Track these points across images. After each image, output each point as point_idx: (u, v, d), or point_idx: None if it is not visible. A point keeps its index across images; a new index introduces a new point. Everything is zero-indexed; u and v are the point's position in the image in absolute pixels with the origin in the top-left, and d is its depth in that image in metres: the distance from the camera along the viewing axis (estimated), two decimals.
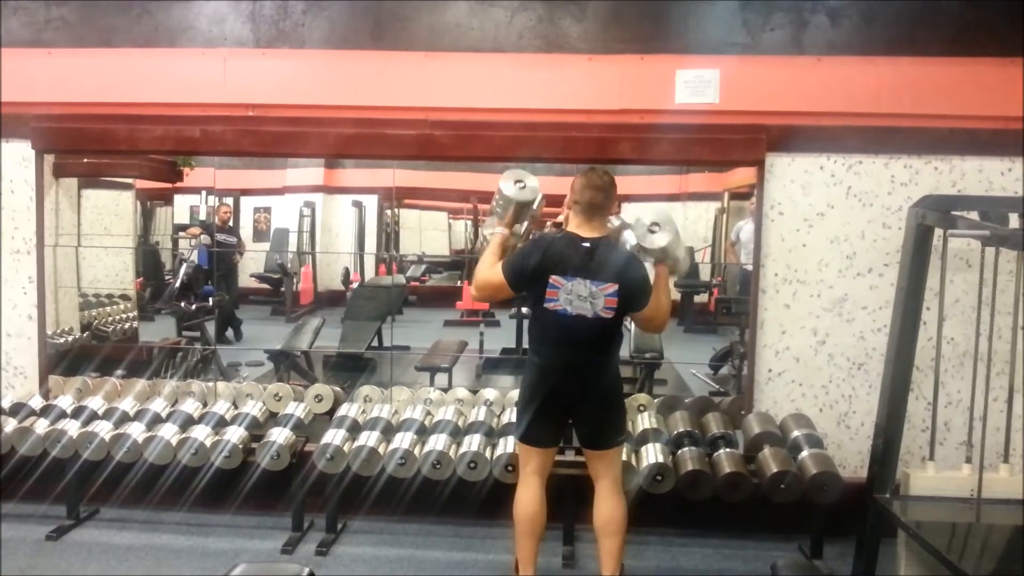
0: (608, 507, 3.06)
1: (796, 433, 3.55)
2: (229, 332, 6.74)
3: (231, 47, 3.88)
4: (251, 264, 8.24)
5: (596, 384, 3.01)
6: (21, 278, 4.05)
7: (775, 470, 3.33)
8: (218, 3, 3.89)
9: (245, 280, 8.01)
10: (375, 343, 6.22)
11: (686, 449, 3.50)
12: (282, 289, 8.20)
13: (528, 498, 3.07)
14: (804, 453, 3.44)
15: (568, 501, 3.49)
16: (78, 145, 4.03)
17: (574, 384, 2.99)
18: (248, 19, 3.88)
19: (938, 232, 3.26)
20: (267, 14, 3.87)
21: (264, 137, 3.87)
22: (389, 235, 9.18)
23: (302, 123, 3.86)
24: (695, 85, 3.74)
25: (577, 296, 2.91)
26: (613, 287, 2.91)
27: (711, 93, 3.72)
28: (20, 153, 3.99)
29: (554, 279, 2.93)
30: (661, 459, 3.41)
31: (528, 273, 2.97)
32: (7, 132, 3.96)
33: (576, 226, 3.03)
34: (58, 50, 3.91)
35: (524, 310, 6.28)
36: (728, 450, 3.51)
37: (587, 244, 2.96)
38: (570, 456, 3.55)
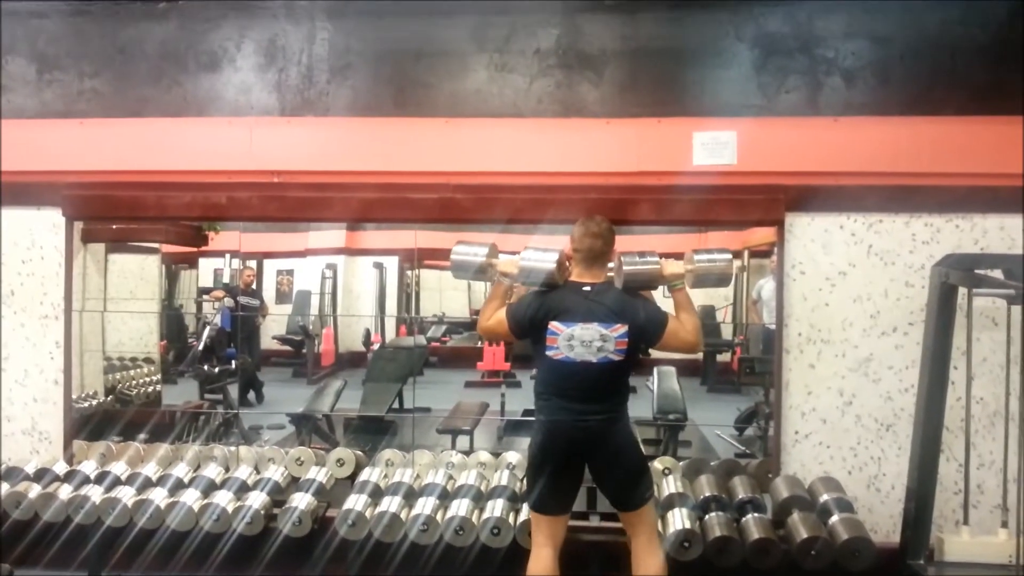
0: (647, 562, 3.01)
1: (825, 497, 3.49)
2: (251, 395, 6.75)
3: (257, 115, 3.99)
4: (273, 326, 8.30)
5: (606, 436, 2.97)
6: (48, 343, 4.10)
7: (805, 536, 3.25)
8: (245, 74, 4.01)
9: (267, 342, 8.05)
10: (395, 405, 6.20)
11: (713, 514, 3.44)
12: (304, 351, 8.23)
13: (539, 570, 3.01)
14: (834, 518, 3.36)
15: (594, 569, 3.42)
16: (108, 212, 4.12)
17: (581, 437, 2.95)
18: (274, 88, 3.99)
19: (962, 290, 3.24)
20: (292, 83, 3.98)
21: (289, 202, 3.95)
22: (409, 296, 9.23)
23: (327, 188, 3.93)
24: (712, 147, 3.77)
25: (580, 342, 2.93)
26: (622, 328, 2.94)
27: (728, 155, 3.76)
28: (51, 220, 4.09)
29: (553, 325, 2.97)
30: (688, 525, 3.34)
31: (527, 321, 3.04)
32: (39, 200, 4.07)
33: (577, 275, 3.10)
34: (90, 120, 4.03)
35: None
36: (756, 515, 3.44)
37: (588, 289, 3.02)
38: (595, 522, 3.50)
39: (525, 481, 3.19)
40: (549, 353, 2.98)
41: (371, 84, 3.96)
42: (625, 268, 3.11)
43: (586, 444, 2.96)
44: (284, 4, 3.96)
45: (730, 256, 3.24)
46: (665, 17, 3.84)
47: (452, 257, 3.31)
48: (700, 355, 6.95)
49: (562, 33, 3.87)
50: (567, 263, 3.13)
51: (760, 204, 3.77)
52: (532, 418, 5.93)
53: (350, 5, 3.96)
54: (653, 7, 3.83)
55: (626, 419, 3.09)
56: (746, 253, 6.89)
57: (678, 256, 3.19)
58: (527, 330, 3.05)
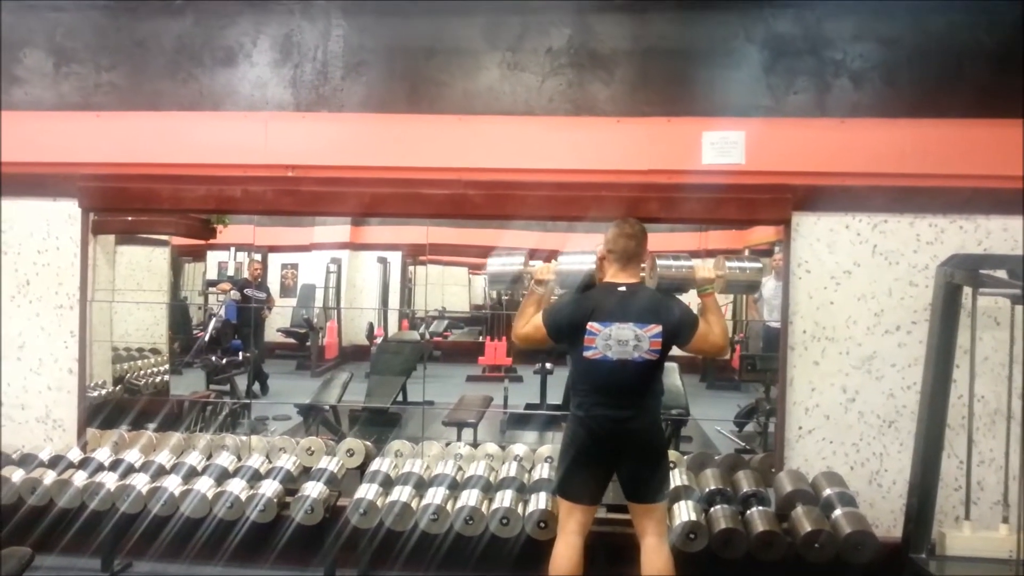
0: (657, 563, 3.05)
1: (828, 491, 3.55)
2: (255, 386, 6.80)
3: (272, 111, 4.03)
4: (277, 319, 8.36)
5: (642, 434, 3.04)
6: (63, 332, 4.15)
7: (809, 529, 3.32)
8: (261, 69, 4.05)
9: (272, 335, 8.11)
10: (399, 397, 6.25)
11: (718, 507, 3.51)
12: (308, 344, 8.29)
13: (567, 556, 3.06)
14: (837, 512, 3.42)
15: (600, 561, 3.46)
16: (123, 204, 4.17)
17: (619, 434, 3.02)
18: (289, 84, 4.04)
19: (966, 290, 3.30)
20: (307, 79, 4.03)
21: (303, 196, 3.99)
22: (412, 290, 9.28)
23: (340, 183, 3.97)
24: (721, 146, 3.83)
25: (617, 341, 2.99)
26: (656, 328, 3.00)
27: (737, 154, 3.81)
28: (66, 211, 4.13)
29: (591, 326, 3.02)
30: (694, 517, 3.41)
31: (565, 323, 3.09)
32: (56, 191, 4.11)
33: (612, 275, 3.15)
34: (107, 113, 4.07)
35: (548, 365, 6.33)
36: (761, 508, 3.51)
37: (623, 289, 3.08)
38: (602, 514, 3.55)
39: (556, 471, 3.23)
40: (587, 353, 3.02)
41: (385, 81, 4.01)
42: (660, 269, 3.18)
43: (621, 441, 3.02)
44: (300, 2, 4.01)
45: (761, 265, 3.34)
46: (676, 17, 3.89)
47: (488, 269, 3.39)
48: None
49: (574, 32, 3.92)
50: (602, 263, 3.20)
51: (767, 203, 3.82)
52: (533, 412, 6.05)
53: (365, 3, 4.01)
54: (664, 7, 3.88)
55: (659, 415, 3.18)
56: (746, 252, 6.94)
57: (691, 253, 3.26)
58: (566, 333, 3.09)
